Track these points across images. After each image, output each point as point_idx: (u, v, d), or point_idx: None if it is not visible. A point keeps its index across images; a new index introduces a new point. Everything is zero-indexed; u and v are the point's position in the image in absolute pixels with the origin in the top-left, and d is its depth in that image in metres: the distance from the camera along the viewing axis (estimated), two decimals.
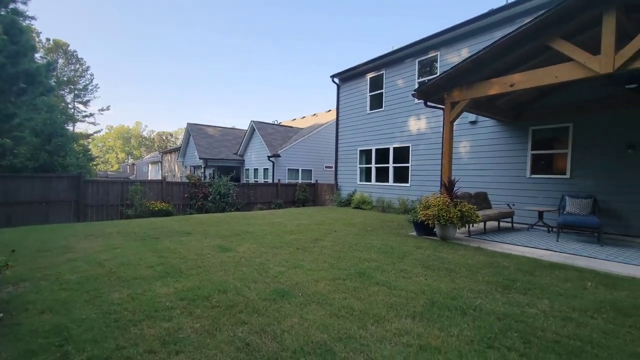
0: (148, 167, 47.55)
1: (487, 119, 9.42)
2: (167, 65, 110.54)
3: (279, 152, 19.52)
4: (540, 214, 7.86)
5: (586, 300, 3.30)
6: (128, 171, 55.83)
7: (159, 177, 36.73)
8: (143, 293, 3.46)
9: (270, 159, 19.46)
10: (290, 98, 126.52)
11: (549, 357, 2.28)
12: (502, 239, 6.57)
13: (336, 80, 15.22)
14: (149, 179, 43.52)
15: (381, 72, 13.10)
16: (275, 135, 21.79)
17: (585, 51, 4.94)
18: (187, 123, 25.05)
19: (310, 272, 4.21)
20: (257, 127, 21.42)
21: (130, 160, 70.15)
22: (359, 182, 14.11)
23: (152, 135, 78.25)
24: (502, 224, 8.32)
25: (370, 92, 13.67)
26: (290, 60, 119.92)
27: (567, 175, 8.09)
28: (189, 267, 4.38)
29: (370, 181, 13.61)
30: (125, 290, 3.52)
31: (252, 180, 21.85)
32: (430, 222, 6.36)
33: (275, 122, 28.73)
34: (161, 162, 38.11)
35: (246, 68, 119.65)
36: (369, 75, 13.66)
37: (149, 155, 59.75)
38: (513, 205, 8.59)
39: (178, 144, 48.71)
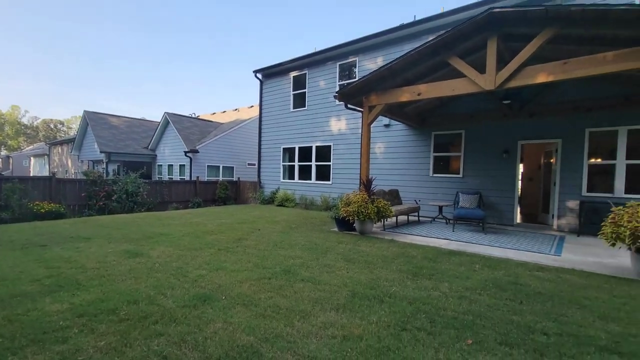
0: (30, 161, 39.75)
1: (399, 123, 10.38)
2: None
3: (197, 147, 18.28)
4: (440, 208, 9.01)
5: (475, 281, 3.92)
6: (1, 165, 45.80)
7: (46, 173, 31.01)
8: (26, 313, 2.89)
9: (188, 154, 18.10)
10: (210, 93, 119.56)
11: (449, 332, 2.65)
12: (410, 232, 7.34)
13: (259, 76, 14.94)
14: (31, 175, 36.28)
15: (304, 72, 13.32)
16: (193, 129, 20.35)
17: (475, 70, 5.82)
18: (84, 111, 21.58)
19: (233, 273, 4.07)
20: (172, 119, 19.69)
21: (4, 152, 57.50)
22: (282, 180, 14.13)
23: (35, 123, 65.38)
24: (410, 217, 9.29)
25: (293, 91, 13.78)
26: (211, 55, 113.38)
27: (460, 175, 9.45)
28: (88, 278, 3.82)
29: (293, 179, 13.75)
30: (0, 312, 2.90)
31: (166, 177, 20.01)
32: (350, 218, 6.74)
33: (193, 115, 26.81)
34: (49, 156, 32.14)
35: (158, 63, 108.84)
36: (293, 74, 13.77)
37: (30, 147, 49.95)
38: (419, 200, 9.66)
39: (72, 134, 41.69)
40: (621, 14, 4.49)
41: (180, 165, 19.25)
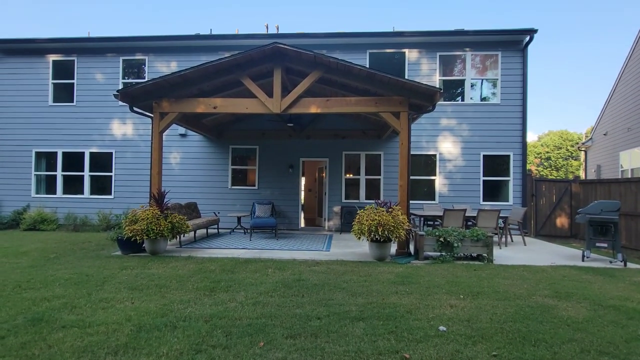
0: None
1: (196, 133, 10.05)
2: None
3: None
4: (239, 218, 9.38)
5: (268, 284, 4.32)
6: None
7: None
8: None
9: None
10: None
11: (244, 341, 2.78)
12: (209, 245, 7.21)
13: None
14: None
15: (72, 59, 10.60)
16: None
17: (265, 93, 6.51)
18: None
19: None
20: None
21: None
22: (35, 195, 10.52)
23: None
24: (210, 230, 9.12)
25: (54, 80, 10.65)
26: None
27: (256, 187, 10.22)
28: None
29: (54, 193, 10.52)
30: None
31: None
32: (138, 237, 5.87)
33: None
34: None
35: None
36: (53, 58, 10.65)
37: None
38: (218, 213, 9.66)
39: None
40: (358, 71, 6.28)
41: None
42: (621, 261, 5.85)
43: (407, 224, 5.88)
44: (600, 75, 58.47)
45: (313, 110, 6.53)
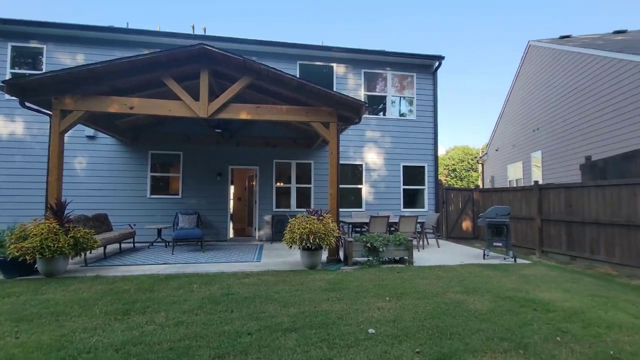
0: None
1: (108, 136, 8.93)
2: None
3: None
4: (159, 231, 8.54)
5: (193, 301, 3.98)
6: None
7: None
8: None
9: None
10: None
11: None
12: (123, 261, 6.40)
13: None
14: None
15: None
16: None
17: (190, 96, 6.11)
18: None
19: None
20: None
21: None
22: None
23: None
24: (124, 245, 8.11)
25: None
26: None
27: (180, 196, 9.47)
28: None
29: None
30: None
31: None
32: (29, 256, 4.90)
33: None
34: None
35: None
36: None
37: None
38: (134, 225, 8.66)
39: None
40: (289, 80, 6.33)
41: None
42: (512, 257, 6.91)
43: (338, 231, 6.06)
44: (497, 97, 69.42)
45: (243, 116, 6.35)
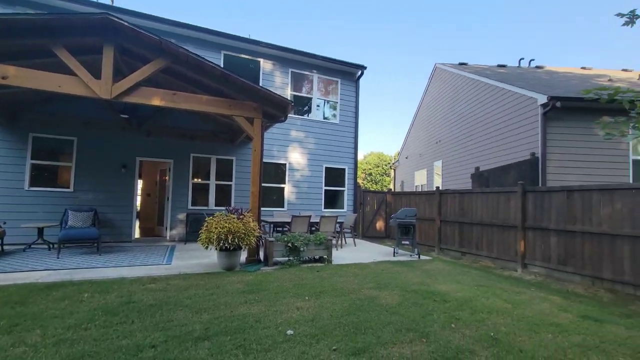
0: None
1: None
2: None
3: None
4: (41, 230, 7.11)
5: (82, 314, 3.38)
6: None
7: None
8: None
9: None
10: None
11: None
12: None
13: None
14: None
15: None
16: None
17: (89, 72, 5.21)
18: None
19: None
20: None
21: None
22: None
23: None
24: None
25: None
26: None
27: (71, 189, 8.06)
28: None
29: None
30: None
31: None
32: None
33: None
34: None
35: None
36: None
37: None
38: (4, 223, 7.04)
39: None
40: (211, 69, 5.92)
41: None
42: (417, 255, 7.67)
43: (259, 230, 5.88)
44: (410, 106, 76.94)
45: (156, 102, 5.69)
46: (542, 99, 8.26)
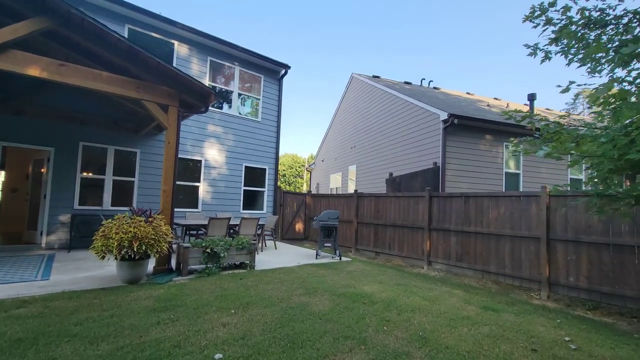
0: None
1: None
2: None
3: None
4: None
5: None
6: None
7: None
8: None
9: None
10: None
11: None
12: None
13: None
14: None
15: None
16: None
17: None
18: None
19: None
20: None
21: None
22: None
23: None
24: None
25: None
26: None
27: None
28: None
29: None
30: None
31: None
32: None
33: None
34: None
35: None
36: None
37: None
38: None
39: None
40: (115, 41, 4.94)
41: None
42: (338, 256, 7.81)
43: (171, 235, 5.11)
44: (326, 109, 79.76)
45: (34, 72, 4.43)
46: (444, 115, 9.39)
